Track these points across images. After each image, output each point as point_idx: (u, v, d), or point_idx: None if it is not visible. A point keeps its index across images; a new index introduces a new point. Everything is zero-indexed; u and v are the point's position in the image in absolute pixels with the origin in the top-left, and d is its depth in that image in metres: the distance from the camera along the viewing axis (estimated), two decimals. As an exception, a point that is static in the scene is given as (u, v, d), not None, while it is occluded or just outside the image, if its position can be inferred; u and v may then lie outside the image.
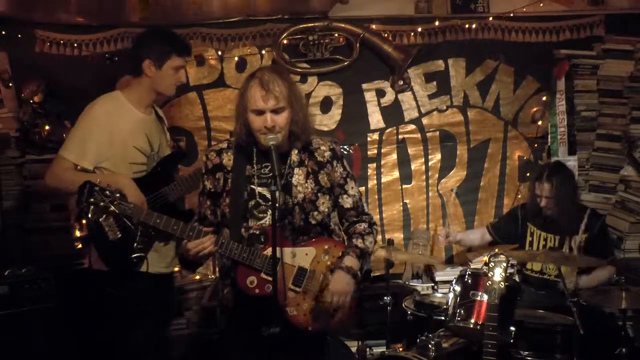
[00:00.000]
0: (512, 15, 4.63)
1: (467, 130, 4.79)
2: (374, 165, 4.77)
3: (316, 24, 4.50)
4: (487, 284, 3.05)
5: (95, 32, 4.37)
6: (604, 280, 3.92)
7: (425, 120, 4.77)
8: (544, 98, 4.76)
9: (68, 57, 4.36)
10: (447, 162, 4.80)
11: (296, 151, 2.69)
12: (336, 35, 4.55)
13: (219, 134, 4.58)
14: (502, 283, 3.02)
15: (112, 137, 3.19)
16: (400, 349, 3.68)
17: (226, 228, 2.66)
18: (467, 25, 4.63)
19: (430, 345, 3.27)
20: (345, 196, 2.73)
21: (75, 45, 4.35)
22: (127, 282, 3.15)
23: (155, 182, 3.27)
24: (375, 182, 4.78)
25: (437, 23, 4.63)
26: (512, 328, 3.22)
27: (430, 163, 4.80)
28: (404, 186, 4.80)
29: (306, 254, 2.63)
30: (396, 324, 3.85)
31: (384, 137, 4.76)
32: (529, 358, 3.37)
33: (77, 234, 4.24)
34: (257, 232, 2.61)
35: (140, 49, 3.30)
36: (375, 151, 4.76)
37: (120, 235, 2.93)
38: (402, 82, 4.68)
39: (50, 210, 4.25)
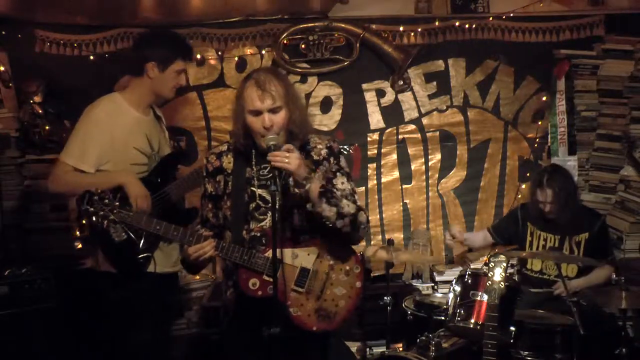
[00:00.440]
0: (512, 15, 4.63)
1: (467, 130, 4.80)
2: (374, 165, 4.77)
3: (316, 24, 4.50)
4: (487, 284, 3.05)
5: (95, 32, 4.37)
6: (602, 280, 3.92)
7: (425, 120, 4.77)
8: (544, 98, 4.77)
9: (68, 57, 4.35)
10: (447, 162, 4.81)
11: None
12: (336, 35, 4.55)
13: (219, 134, 4.58)
14: (502, 283, 3.02)
15: (112, 139, 3.20)
16: (400, 349, 3.68)
17: (228, 231, 2.66)
18: (467, 25, 4.63)
19: (430, 345, 3.27)
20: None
21: (75, 45, 4.35)
22: (134, 282, 3.15)
23: (157, 182, 3.28)
24: (375, 182, 4.78)
25: (437, 23, 4.62)
26: (512, 328, 3.23)
27: (430, 163, 4.80)
28: (404, 186, 4.80)
29: (308, 254, 2.63)
30: (396, 324, 3.85)
31: (384, 137, 4.76)
32: (529, 358, 3.37)
33: (77, 234, 4.23)
34: (258, 234, 2.61)
35: (144, 50, 3.29)
36: (375, 151, 4.76)
37: (125, 237, 2.93)
38: (402, 82, 4.68)
39: (50, 210, 4.24)
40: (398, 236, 4.75)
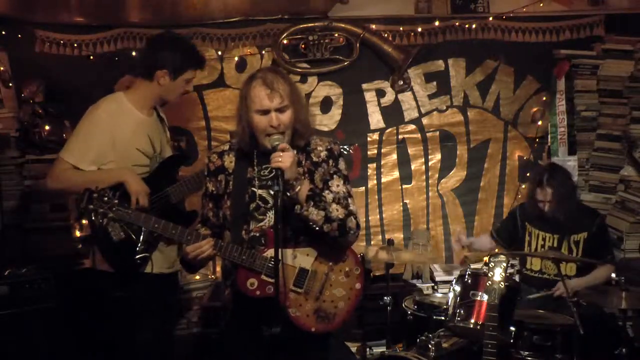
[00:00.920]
0: (512, 15, 4.63)
1: (467, 130, 4.80)
2: (374, 165, 4.77)
3: (316, 24, 4.50)
4: (487, 284, 3.05)
5: (95, 32, 4.37)
6: (602, 279, 3.91)
7: (425, 120, 4.77)
8: (544, 98, 4.77)
9: (68, 57, 4.35)
10: (447, 162, 4.81)
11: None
12: (336, 35, 4.55)
13: (219, 134, 4.58)
14: (502, 283, 3.02)
15: (114, 139, 3.19)
16: (400, 349, 3.68)
17: (227, 230, 2.67)
18: (467, 25, 4.63)
19: (430, 345, 3.27)
20: (327, 192, 2.65)
21: (75, 45, 4.35)
22: (131, 282, 3.15)
23: (158, 183, 3.28)
24: (375, 182, 4.78)
25: (437, 23, 4.63)
26: (512, 328, 3.23)
27: (430, 163, 4.80)
28: (404, 186, 4.80)
29: (307, 255, 2.63)
30: (396, 324, 3.85)
31: (384, 137, 4.76)
32: (529, 358, 3.36)
33: (77, 234, 4.23)
34: (257, 235, 2.61)
35: (157, 56, 3.26)
36: (375, 151, 4.76)
37: (124, 236, 2.93)
38: (402, 82, 4.68)
39: (50, 210, 4.24)
40: (398, 236, 4.75)
